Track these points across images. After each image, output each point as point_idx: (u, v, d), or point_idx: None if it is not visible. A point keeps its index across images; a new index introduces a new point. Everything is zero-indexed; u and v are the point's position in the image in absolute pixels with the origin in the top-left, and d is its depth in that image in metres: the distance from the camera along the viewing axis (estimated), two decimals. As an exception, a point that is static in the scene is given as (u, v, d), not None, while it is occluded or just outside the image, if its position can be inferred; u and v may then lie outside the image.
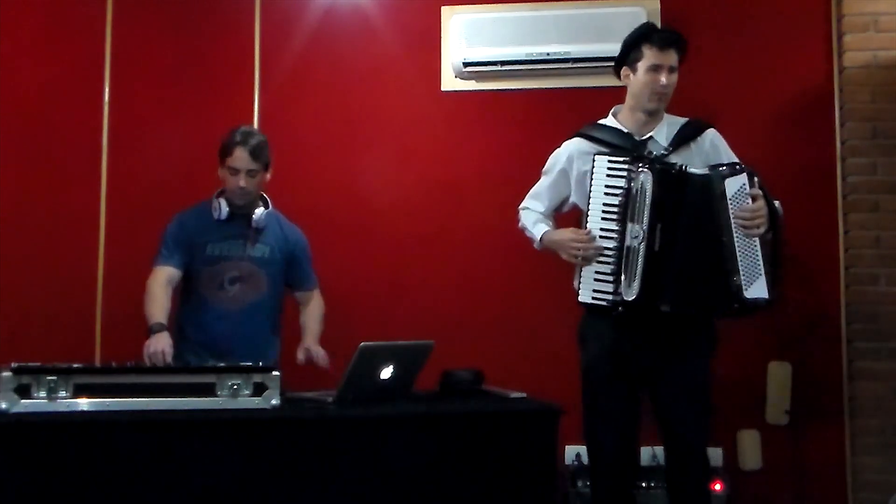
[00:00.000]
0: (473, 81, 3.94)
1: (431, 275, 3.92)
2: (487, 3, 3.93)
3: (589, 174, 2.79)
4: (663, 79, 2.80)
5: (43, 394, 2.32)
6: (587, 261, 2.77)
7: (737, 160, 2.85)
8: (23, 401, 2.30)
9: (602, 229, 2.74)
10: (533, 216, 3.07)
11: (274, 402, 2.50)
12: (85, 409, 2.35)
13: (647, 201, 2.68)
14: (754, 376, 3.65)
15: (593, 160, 2.78)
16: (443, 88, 3.97)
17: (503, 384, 2.97)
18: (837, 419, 3.65)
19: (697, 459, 2.82)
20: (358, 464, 2.46)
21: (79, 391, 2.35)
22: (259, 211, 3.21)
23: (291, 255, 3.35)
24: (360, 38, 4.03)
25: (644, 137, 2.85)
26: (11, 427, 2.26)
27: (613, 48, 3.73)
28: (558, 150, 3.02)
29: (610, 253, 2.73)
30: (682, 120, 2.92)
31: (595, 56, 3.75)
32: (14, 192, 3.88)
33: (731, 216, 2.68)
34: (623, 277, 2.70)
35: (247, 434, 2.41)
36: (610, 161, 2.75)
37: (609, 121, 2.95)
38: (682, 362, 2.79)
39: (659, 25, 3.80)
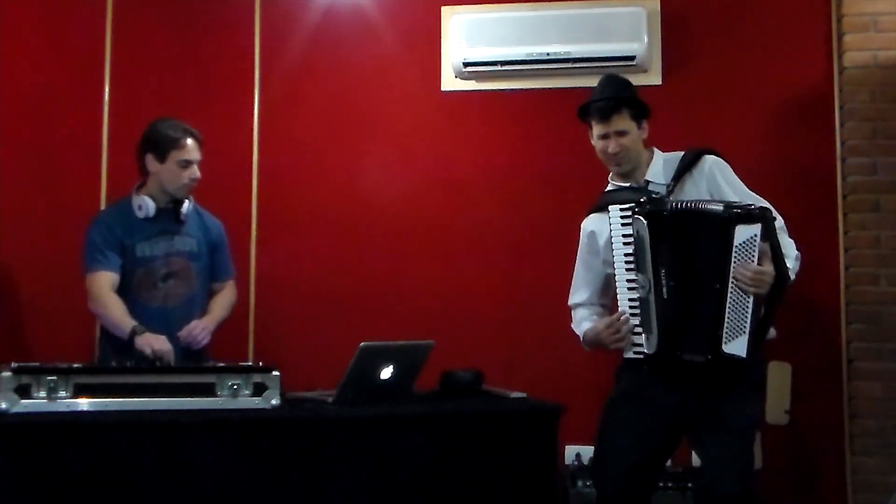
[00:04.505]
0: (473, 81, 3.94)
1: (431, 275, 3.92)
2: (487, 3, 3.93)
3: (608, 227, 2.73)
4: (610, 147, 2.75)
5: (43, 394, 2.32)
6: (629, 343, 2.69)
7: (754, 199, 2.69)
8: (23, 401, 2.30)
9: (628, 280, 2.66)
10: (579, 315, 2.94)
11: (274, 402, 2.50)
12: (85, 409, 2.35)
13: (647, 249, 2.60)
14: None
15: (609, 214, 2.71)
16: (443, 88, 3.97)
17: (503, 384, 2.97)
18: (837, 419, 3.65)
19: None
20: (358, 464, 2.46)
21: (79, 391, 2.35)
22: (187, 204, 3.19)
23: (214, 246, 3.32)
24: (360, 38, 4.03)
25: (642, 183, 2.78)
26: (11, 427, 2.26)
27: (613, 48, 3.76)
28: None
29: (635, 304, 2.65)
30: (679, 154, 2.80)
31: (595, 56, 3.75)
32: (14, 192, 3.88)
33: (732, 267, 2.52)
34: (643, 332, 2.63)
35: (247, 434, 2.41)
36: (620, 209, 2.67)
37: (607, 187, 2.90)
38: (725, 409, 2.60)
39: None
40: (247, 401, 2.48)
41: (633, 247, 2.64)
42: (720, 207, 2.56)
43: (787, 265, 2.58)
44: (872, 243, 3.63)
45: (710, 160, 2.77)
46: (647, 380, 2.70)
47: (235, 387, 2.47)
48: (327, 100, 4.04)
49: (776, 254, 2.54)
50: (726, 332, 2.53)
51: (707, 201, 2.64)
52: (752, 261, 2.51)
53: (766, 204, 2.66)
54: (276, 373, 2.52)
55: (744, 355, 2.52)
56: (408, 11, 4.02)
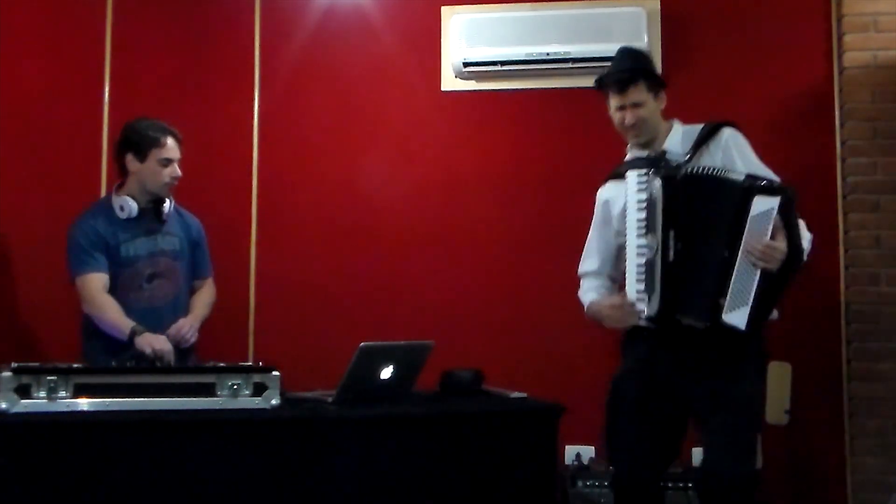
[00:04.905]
0: (473, 81, 3.94)
1: (431, 275, 3.92)
2: (487, 3, 3.93)
3: (623, 196, 2.73)
4: (627, 119, 2.77)
5: (43, 394, 2.32)
6: (630, 325, 2.70)
7: (766, 174, 2.66)
8: (23, 401, 2.30)
9: (638, 246, 2.65)
10: (586, 285, 2.91)
11: (274, 402, 2.50)
12: (85, 409, 2.35)
13: (658, 210, 2.61)
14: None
15: (626, 180, 2.71)
16: (443, 88, 3.97)
17: (503, 384, 2.97)
18: (837, 419, 3.65)
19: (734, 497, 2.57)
20: (358, 464, 2.46)
21: (79, 391, 2.35)
22: (168, 203, 3.18)
23: (195, 244, 3.33)
24: (360, 38, 4.03)
25: (659, 152, 2.77)
26: (11, 427, 2.26)
27: (613, 48, 3.71)
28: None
29: (642, 269, 2.64)
30: (699, 126, 2.80)
31: (595, 56, 3.74)
32: (14, 192, 3.88)
33: (744, 238, 2.49)
34: (646, 294, 2.62)
35: (247, 434, 2.41)
36: (638, 175, 2.67)
37: (626, 157, 2.91)
38: (727, 388, 2.59)
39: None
40: (247, 401, 2.47)
41: (646, 212, 2.64)
42: (741, 176, 2.55)
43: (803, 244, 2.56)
44: (872, 243, 3.63)
45: (727, 132, 2.76)
46: (652, 356, 2.69)
47: (235, 387, 2.47)
48: (327, 100, 4.04)
49: (791, 231, 2.51)
50: (728, 302, 2.51)
51: (727, 170, 2.62)
52: (766, 234, 2.48)
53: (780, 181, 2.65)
54: (276, 373, 2.52)
55: (742, 327, 2.50)
56: (408, 11, 4.02)
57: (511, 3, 3.93)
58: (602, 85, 2.84)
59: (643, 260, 2.63)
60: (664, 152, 2.75)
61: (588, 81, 3.84)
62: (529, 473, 2.59)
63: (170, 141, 3.14)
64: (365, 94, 4.02)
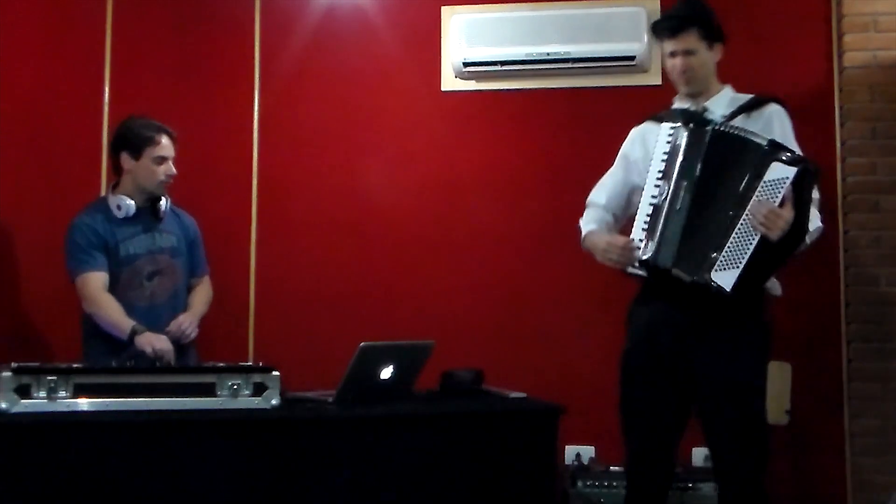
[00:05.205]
0: (473, 81, 3.94)
1: (431, 275, 3.92)
2: (487, 3, 3.93)
3: (652, 140, 2.75)
4: (678, 64, 2.77)
5: (43, 394, 2.32)
6: (622, 266, 2.71)
7: (794, 147, 2.66)
8: (23, 401, 2.30)
9: (652, 196, 2.66)
10: (589, 214, 2.92)
11: (274, 402, 2.50)
12: (85, 409, 2.35)
13: (678, 159, 2.62)
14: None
15: (660, 129, 2.73)
16: (443, 88, 3.97)
17: (503, 384, 2.97)
18: (837, 419, 3.65)
19: (747, 493, 2.62)
20: (358, 464, 2.46)
21: (79, 391, 2.35)
22: (164, 201, 3.20)
23: (191, 242, 3.34)
24: (360, 38, 4.03)
25: (700, 107, 2.78)
26: (11, 427, 2.26)
27: (613, 48, 3.76)
28: None
29: (649, 215, 2.65)
30: (748, 96, 2.81)
31: (595, 56, 3.75)
32: (14, 192, 3.88)
33: (752, 200, 2.49)
34: (646, 238, 2.63)
35: (247, 434, 2.41)
36: (671, 126, 2.69)
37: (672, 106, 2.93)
38: (728, 369, 2.61)
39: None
40: (247, 401, 2.48)
41: (666, 162, 2.65)
42: (764, 141, 2.55)
43: (808, 226, 2.56)
44: (872, 243, 3.63)
45: (774, 107, 2.77)
46: (654, 329, 2.70)
47: (235, 387, 2.47)
48: (327, 100, 4.03)
49: (800, 206, 2.49)
50: (721, 260, 2.51)
51: (753, 133, 2.61)
52: (775, 201, 2.48)
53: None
54: (276, 373, 2.52)
55: (728, 289, 2.49)
56: (408, 11, 4.02)
57: (511, 3, 3.93)
58: (656, 30, 2.85)
59: (652, 208, 2.65)
60: (705, 109, 2.77)
61: (588, 81, 3.89)
62: (529, 473, 2.59)
63: (164, 139, 3.16)
64: (365, 94, 4.02)
